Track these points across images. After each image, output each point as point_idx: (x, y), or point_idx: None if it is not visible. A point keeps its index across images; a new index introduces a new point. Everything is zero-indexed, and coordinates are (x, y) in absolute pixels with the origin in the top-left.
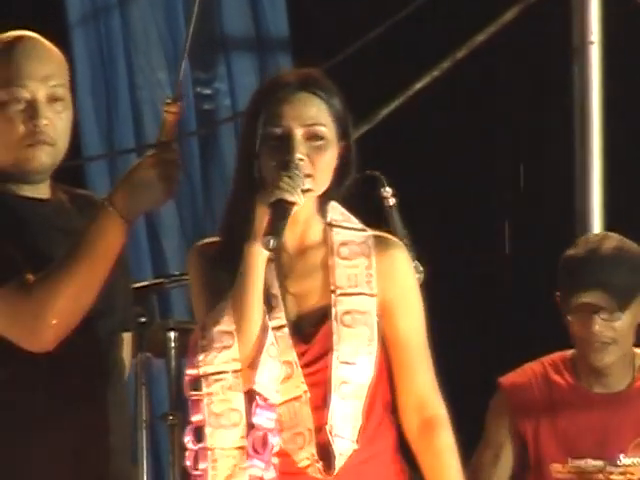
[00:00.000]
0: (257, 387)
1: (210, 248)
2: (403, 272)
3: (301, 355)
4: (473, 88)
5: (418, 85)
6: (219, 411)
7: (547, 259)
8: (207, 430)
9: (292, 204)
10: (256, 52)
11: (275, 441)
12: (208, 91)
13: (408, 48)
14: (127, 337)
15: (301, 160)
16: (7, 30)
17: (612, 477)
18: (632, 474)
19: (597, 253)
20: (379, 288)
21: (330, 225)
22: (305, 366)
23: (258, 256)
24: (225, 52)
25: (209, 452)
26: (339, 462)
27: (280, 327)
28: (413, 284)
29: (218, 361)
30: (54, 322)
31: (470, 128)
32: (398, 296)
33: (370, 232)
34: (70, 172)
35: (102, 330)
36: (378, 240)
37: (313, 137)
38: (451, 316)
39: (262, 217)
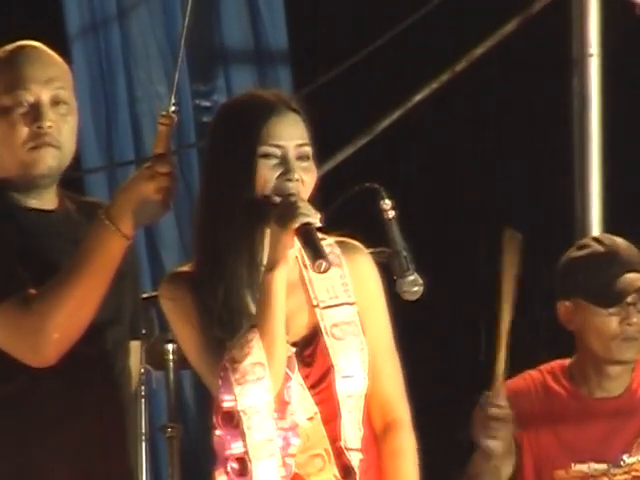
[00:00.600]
0: (295, 419)
1: (186, 276)
2: (369, 277)
3: (306, 378)
4: (472, 100)
5: (417, 97)
6: (259, 443)
7: (546, 269)
8: (253, 463)
9: (313, 224)
10: (255, 64)
11: (292, 462)
12: (207, 103)
13: (407, 60)
14: (135, 346)
15: (297, 180)
16: (6, 43)
17: (616, 478)
18: (637, 471)
19: (620, 245)
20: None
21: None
22: (311, 387)
23: (281, 283)
24: (224, 64)
25: None
26: (358, 475)
27: None
28: (378, 289)
29: (254, 394)
30: (55, 337)
31: (469, 140)
32: (365, 302)
33: (331, 239)
34: (69, 184)
35: (109, 340)
36: (342, 246)
37: (302, 157)
38: (450, 327)
39: (284, 244)
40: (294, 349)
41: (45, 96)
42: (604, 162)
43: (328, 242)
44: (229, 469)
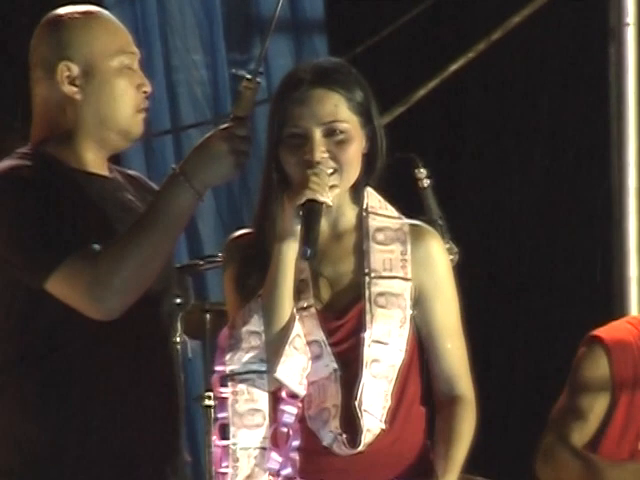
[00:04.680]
0: (279, 375)
1: (245, 240)
2: (438, 260)
3: (333, 332)
4: (508, 70)
5: (453, 67)
6: (243, 411)
7: (580, 242)
8: (231, 429)
9: (322, 204)
10: (292, 34)
11: (296, 439)
12: (244, 73)
13: (443, 30)
14: None
15: (323, 158)
16: (46, 10)
17: None
18: None
19: None
20: (414, 275)
21: (366, 211)
22: (336, 344)
23: (286, 255)
24: (261, 34)
25: (231, 451)
26: (365, 438)
27: (307, 307)
28: (447, 272)
29: (245, 361)
30: (121, 289)
31: (505, 109)
32: (432, 283)
33: (406, 220)
34: None
35: (165, 306)
36: (413, 228)
37: (333, 133)
38: (483, 297)
39: (290, 216)
40: (311, 308)
41: (136, 62)
42: None
43: (402, 222)
44: (214, 435)
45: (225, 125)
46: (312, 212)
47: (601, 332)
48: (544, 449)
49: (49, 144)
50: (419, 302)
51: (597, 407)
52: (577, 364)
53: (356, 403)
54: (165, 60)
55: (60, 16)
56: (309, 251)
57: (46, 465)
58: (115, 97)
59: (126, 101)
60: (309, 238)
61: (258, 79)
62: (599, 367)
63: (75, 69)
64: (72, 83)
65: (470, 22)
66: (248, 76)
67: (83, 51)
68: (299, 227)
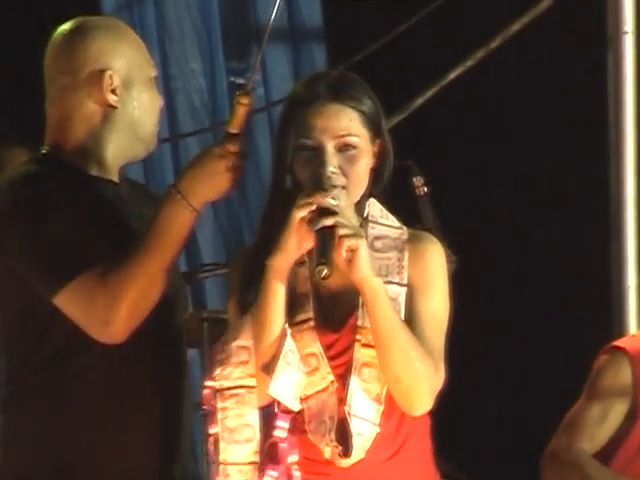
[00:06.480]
0: (273, 392)
1: (248, 256)
2: (431, 260)
3: (330, 346)
4: (507, 78)
5: (452, 75)
6: (233, 426)
7: (578, 251)
8: (221, 445)
9: (335, 226)
10: (290, 43)
11: (292, 454)
12: (241, 81)
13: (442, 38)
14: None
15: (334, 173)
16: (43, 20)
17: None
18: None
19: None
20: (408, 276)
21: (367, 220)
22: (333, 357)
23: (279, 271)
24: (259, 42)
25: (221, 467)
26: (357, 442)
27: (306, 320)
28: (438, 272)
29: (234, 376)
30: (127, 313)
31: (503, 117)
32: (423, 281)
33: (406, 230)
34: None
35: (179, 313)
36: (413, 236)
37: (345, 148)
38: (480, 306)
39: (290, 230)
40: (310, 321)
41: None
42: (639, 139)
43: (402, 231)
44: (208, 448)
45: (220, 142)
46: (326, 233)
47: (623, 343)
48: (552, 452)
49: (68, 150)
50: (408, 299)
51: (613, 416)
52: (598, 372)
53: (346, 408)
54: (163, 68)
55: (94, 25)
56: (325, 271)
57: (58, 472)
58: (147, 108)
59: (154, 113)
60: (326, 258)
61: (251, 95)
62: (621, 376)
63: (117, 78)
64: (113, 92)
65: (469, 30)
66: (241, 81)
67: (123, 61)
68: (295, 241)
